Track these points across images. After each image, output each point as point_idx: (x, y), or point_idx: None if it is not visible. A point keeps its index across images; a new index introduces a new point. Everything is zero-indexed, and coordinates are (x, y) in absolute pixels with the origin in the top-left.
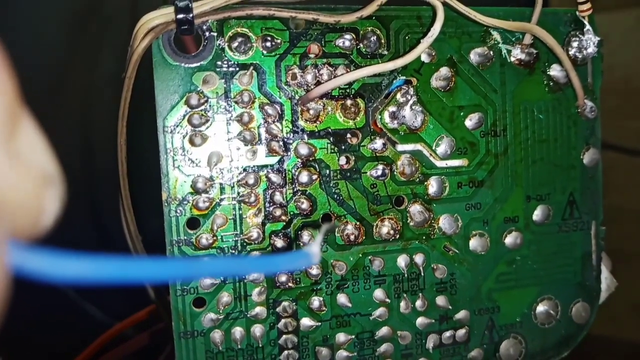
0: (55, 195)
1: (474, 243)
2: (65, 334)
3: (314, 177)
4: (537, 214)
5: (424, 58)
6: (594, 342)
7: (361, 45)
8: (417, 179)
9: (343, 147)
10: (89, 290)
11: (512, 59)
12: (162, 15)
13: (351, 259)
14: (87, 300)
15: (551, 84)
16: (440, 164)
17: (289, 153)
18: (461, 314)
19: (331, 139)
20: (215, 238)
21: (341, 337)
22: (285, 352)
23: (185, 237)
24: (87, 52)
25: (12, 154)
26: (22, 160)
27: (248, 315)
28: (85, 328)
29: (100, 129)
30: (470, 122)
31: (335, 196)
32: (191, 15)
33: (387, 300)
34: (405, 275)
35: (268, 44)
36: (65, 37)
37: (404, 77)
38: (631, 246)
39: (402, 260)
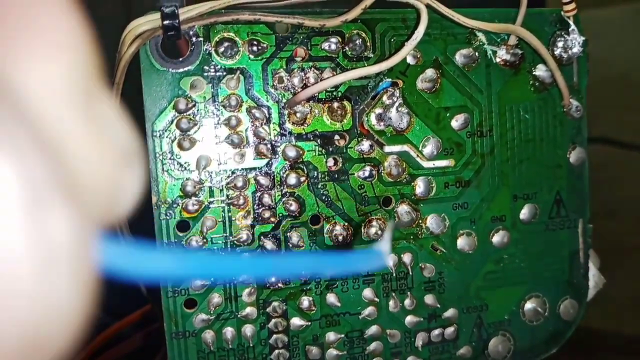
0: (136, 176)
1: (461, 242)
2: None
3: (302, 179)
4: (524, 213)
5: (410, 60)
6: (593, 336)
7: (347, 49)
8: (404, 180)
9: (330, 149)
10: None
11: (498, 59)
12: (149, 22)
13: None
14: None
15: (537, 84)
16: (427, 164)
17: (276, 156)
18: (450, 312)
19: (319, 141)
20: (205, 240)
21: (331, 336)
22: (276, 351)
23: (176, 240)
24: None
25: (91, 129)
26: (101, 136)
27: (239, 316)
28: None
29: None
30: (456, 122)
31: (324, 197)
32: (177, 21)
33: (376, 299)
34: (394, 274)
35: (254, 48)
36: None
37: (390, 79)
38: (630, 240)
39: (390, 260)
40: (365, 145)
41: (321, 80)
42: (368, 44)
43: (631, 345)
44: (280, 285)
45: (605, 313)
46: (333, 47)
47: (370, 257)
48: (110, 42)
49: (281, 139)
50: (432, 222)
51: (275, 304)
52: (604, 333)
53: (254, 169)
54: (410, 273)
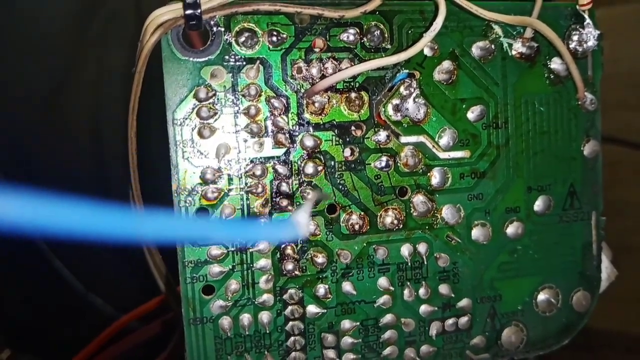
0: None
1: (476, 233)
2: (73, 327)
3: (320, 168)
4: (538, 205)
5: (427, 52)
6: (596, 335)
7: (365, 40)
8: (420, 170)
9: (348, 139)
10: (96, 283)
11: (514, 52)
12: (171, 11)
13: (356, 248)
14: (94, 293)
15: (552, 76)
16: (442, 155)
17: (294, 145)
18: (464, 302)
19: (336, 131)
20: None
21: (346, 323)
22: (292, 338)
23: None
24: (95, 46)
25: None
26: None
27: (256, 303)
28: (93, 320)
29: (110, 122)
30: (472, 114)
31: (340, 187)
32: (199, 11)
33: (391, 288)
34: (409, 264)
35: (274, 38)
36: (73, 32)
37: (407, 71)
38: (635, 239)
39: (405, 250)
40: (382, 135)
41: (339, 70)
42: (386, 35)
43: (634, 344)
44: (297, 273)
45: (611, 312)
46: (351, 38)
47: (285, 227)
48: (119, 34)
49: (299, 129)
50: (447, 212)
51: (291, 291)
52: (606, 332)
53: (272, 157)
54: (425, 263)
